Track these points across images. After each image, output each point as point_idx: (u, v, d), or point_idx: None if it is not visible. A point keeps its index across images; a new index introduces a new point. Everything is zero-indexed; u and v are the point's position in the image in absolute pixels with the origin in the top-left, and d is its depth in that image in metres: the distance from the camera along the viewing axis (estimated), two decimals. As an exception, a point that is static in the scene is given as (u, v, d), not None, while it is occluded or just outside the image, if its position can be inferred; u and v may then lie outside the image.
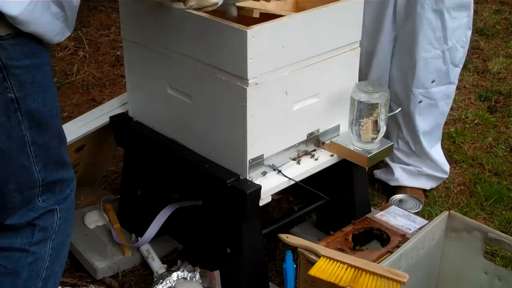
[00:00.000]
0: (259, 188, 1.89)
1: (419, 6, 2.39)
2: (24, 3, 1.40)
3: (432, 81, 2.51)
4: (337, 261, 1.79)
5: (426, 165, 2.69)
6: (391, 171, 2.72)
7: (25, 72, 1.46)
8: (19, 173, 1.55)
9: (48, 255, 1.67)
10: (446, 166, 2.74)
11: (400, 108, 2.50)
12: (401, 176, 2.71)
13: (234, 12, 1.92)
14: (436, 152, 2.70)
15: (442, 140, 3.10)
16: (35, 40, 1.48)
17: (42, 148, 1.55)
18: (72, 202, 1.71)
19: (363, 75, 2.49)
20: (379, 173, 2.78)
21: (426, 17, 2.39)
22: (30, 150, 1.53)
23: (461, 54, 2.51)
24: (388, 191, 2.75)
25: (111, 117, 2.30)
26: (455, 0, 2.39)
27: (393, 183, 2.74)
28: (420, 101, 2.53)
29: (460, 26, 2.45)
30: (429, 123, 2.61)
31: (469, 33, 2.51)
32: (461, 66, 2.56)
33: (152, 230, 2.23)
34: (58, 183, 1.64)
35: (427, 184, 2.73)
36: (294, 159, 2.05)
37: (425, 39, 2.43)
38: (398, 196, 2.63)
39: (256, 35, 1.76)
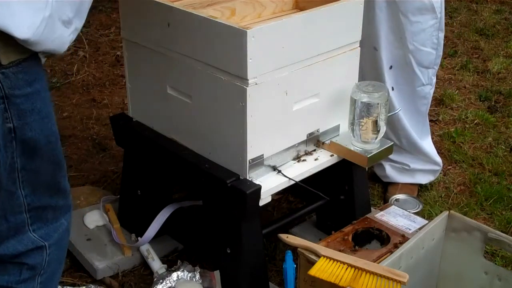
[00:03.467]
0: (259, 188, 1.89)
1: (377, 9, 2.43)
2: (36, 23, 1.33)
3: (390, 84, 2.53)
4: (337, 261, 1.79)
5: (417, 159, 2.70)
6: (382, 168, 2.75)
7: (25, 101, 1.41)
8: (4, 198, 1.50)
9: None
10: (437, 157, 2.76)
11: (400, 108, 2.51)
12: (391, 173, 2.74)
13: None
14: (428, 144, 2.72)
15: (442, 140, 3.11)
16: (36, 63, 1.43)
17: (31, 173, 1.50)
18: (66, 231, 1.63)
19: None
20: (374, 166, 2.79)
21: (384, 19, 2.44)
22: (18, 176, 1.48)
23: (432, 56, 2.52)
24: (385, 186, 2.78)
25: (111, 117, 2.30)
26: (413, 5, 2.41)
27: (385, 180, 2.77)
28: (392, 88, 2.55)
29: (425, 29, 2.46)
30: (410, 120, 2.62)
31: (442, 35, 2.52)
32: (436, 67, 2.57)
33: (152, 230, 2.23)
34: (50, 209, 1.57)
35: (423, 179, 2.75)
36: (294, 159, 2.05)
37: (386, 40, 2.47)
38: (398, 196, 2.64)
39: (256, 35, 1.76)
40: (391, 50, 2.49)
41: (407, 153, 2.70)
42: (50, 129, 1.51)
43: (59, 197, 1.59)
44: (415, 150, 2.69)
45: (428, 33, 2.47)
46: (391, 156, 2.66)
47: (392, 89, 2.54)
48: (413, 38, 2.46)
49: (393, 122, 2.60)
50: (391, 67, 2.51)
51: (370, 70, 2.54)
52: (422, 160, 2.71)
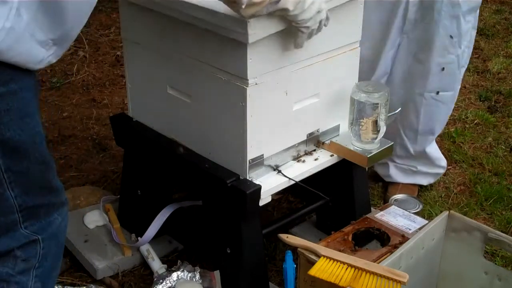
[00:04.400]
0: (259, 188, 1.89)
1: (436, 13, 2.34)
2: None
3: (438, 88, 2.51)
4: (337, 261, 1.79)
5: (422, 163, 2.70)
6: (386, 167, 2.74)
7: None
8: None
9: (32, 282, 1.60)
10: (443, 161, 2.75)
11: (400, 108, 2.50)
12: (394, 172, 2.73)
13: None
14: (432, 149, 2.71)
15: (442, 140, 3.11)
16: (13, 65, 1.40)
17: (19, 174, 1.48)
18: (60, 226, 1.62)
19: None
20: (376, 166, 2.78)
21: (443, 24, 2.36)
22: (3, 177, 1.46)
23: (466, 55, 2.50)
24: (385, 186, 2.78)
25: (111, 117, 2.30)
26: (469, 4, 2.37)
27: (387, 179, 2.76)
28: (437, 92, 2.51)
29: (469, 28, 2.44)
30: (434, 124, 2.60)
31: (474, 32, 2.50)
32: (465, 66, 2.55)
33: (152, 230, 2.23)
34: (44, 207, 1.57)
35: (424, 180, 2.75)
36: (294, 159, 2.05)
37: (440, 45, 2.40)
38: (398, 196, 2.64)
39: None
40: (444, 54, 2.42)
41: (416, 158, 2.68)
42: (33, 129, 1.49)
43: (52, 195, 1.59)
44: (420, 155, 2.67)
45: (469, 31, 2.44)
46: (398, 160, 2.67)
47: (437, 93, 2.49)
48: (464, 38, 2.42)
49: (405, 128, 2.58)
50: (443, 69, 2.44)
51: (404, 76, 2.49)
52: (427, 164, 2.71)
